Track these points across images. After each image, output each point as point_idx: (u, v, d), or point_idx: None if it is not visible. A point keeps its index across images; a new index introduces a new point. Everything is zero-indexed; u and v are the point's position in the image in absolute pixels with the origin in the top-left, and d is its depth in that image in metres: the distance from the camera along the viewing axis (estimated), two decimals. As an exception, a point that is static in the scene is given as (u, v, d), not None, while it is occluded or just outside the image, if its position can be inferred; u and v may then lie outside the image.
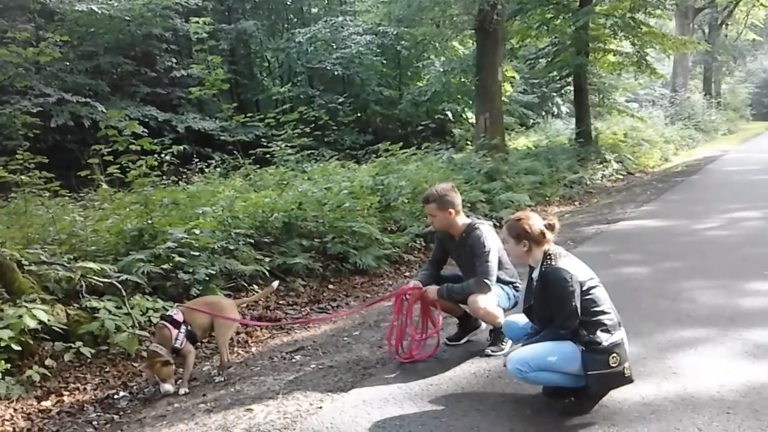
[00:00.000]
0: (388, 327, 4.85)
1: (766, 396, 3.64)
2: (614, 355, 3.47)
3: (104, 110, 14.60)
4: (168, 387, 4.46)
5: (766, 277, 6.16)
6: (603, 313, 3.54)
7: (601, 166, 17.12)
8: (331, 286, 7.33)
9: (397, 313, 4.68)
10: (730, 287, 5.91)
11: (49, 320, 4.74)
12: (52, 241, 6.30)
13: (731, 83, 48.09)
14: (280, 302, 6.72)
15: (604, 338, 3.47)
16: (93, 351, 5.00)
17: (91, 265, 5.38)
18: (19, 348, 4.60)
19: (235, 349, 5.56)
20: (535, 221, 3.75)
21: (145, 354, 4.54)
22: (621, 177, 17.34)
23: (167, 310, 5.07)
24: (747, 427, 3.31)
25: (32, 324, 4.61)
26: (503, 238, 4.04)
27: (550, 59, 18.32)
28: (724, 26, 38.64)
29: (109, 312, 5.17)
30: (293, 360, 5.08)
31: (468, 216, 4.83)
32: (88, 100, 15.65)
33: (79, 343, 4.94)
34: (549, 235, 3.72)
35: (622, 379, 3.52)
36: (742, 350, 4.37)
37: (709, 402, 3.61)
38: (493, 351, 4.64)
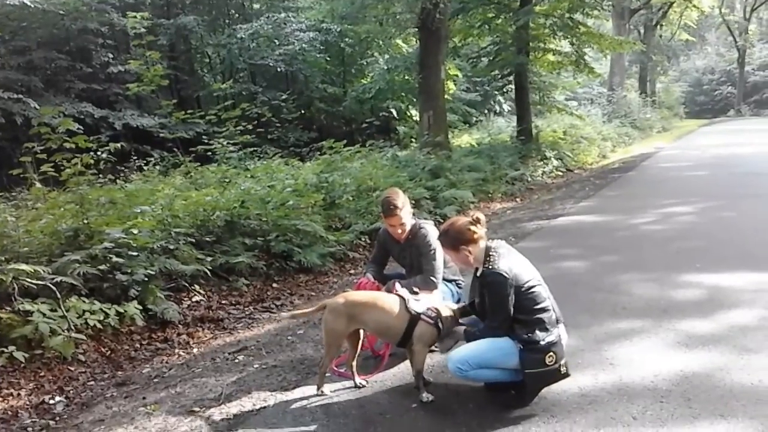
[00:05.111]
0: None
1: (697, 384, 3.79)
2: (551, 354, 3.56)
3: (37, 107, 14.21)
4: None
5: (697, 269, 6.39)
6: (543, 311, 3.61)
7: (542, 163, 17.42)
8: (275, 285, 7.25)
9: None
10: (664, 280, 6.11)
11: (-22, 324, 4.56)
12: (-18, 242, 6.04)
13: (665, 82, 49.79)
14: (223, 302, 6.61)
15: (542, 337, 3.55)
16: (27, 355, 4.82)
17: (23, 266, 5.18)
18: (-53, 354, 4.42)
19: (176, 350, 5.45)
20: (461, 223, 3.79)
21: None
22: (560, 174, 17.69)
23: (107, 313, 4.91)
24: (679, 415, 3.44)
25: (-39, 329, 4.42)
26: (445, 253, 4.07)
27: (491, 58, 18.63)
28: (658, 27, 40.03)
29: (44, 315, 5.00)
30: (236, 360, 5.03)
31: (413, 216, 4.86)
32: (20, 96, 15.13)
33: (12, 348, 4.76)
34: (479, 229, 3.75)
35: (558, 375, 3.62)
36: (674, 341, 4.53)
37: (643, 391, 3.74)
38: (436, 346, 4.67)
